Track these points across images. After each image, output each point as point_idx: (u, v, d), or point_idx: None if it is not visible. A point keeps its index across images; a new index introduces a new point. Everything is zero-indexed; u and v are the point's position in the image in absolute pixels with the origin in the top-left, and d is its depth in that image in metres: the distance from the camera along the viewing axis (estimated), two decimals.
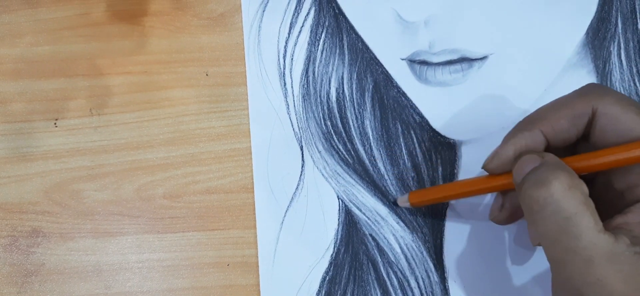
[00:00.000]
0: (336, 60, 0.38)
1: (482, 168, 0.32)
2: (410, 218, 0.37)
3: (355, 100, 0.38)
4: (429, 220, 0.37)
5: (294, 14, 0.39)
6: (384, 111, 0.38)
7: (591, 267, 0.26)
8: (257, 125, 0.38)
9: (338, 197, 0.38)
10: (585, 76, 0.38)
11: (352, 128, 0.38)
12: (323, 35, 0.39)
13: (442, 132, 0.38)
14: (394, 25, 0.38)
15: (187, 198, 0.38)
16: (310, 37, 0.39)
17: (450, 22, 0.38)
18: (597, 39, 0.38)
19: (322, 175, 0.38)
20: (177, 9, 0.39)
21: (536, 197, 0.28)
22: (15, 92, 0.39)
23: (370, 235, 0.37)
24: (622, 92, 0.37)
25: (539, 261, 0.36)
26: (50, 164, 0.38)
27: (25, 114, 0.39)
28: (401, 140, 0.38)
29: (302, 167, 0.38)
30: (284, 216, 0.37)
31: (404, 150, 0.38)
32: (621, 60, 0.38)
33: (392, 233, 0.37)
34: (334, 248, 0.37)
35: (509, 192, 0.33)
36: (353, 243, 0.37)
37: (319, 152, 0.38)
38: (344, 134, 0.38)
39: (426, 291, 0.37)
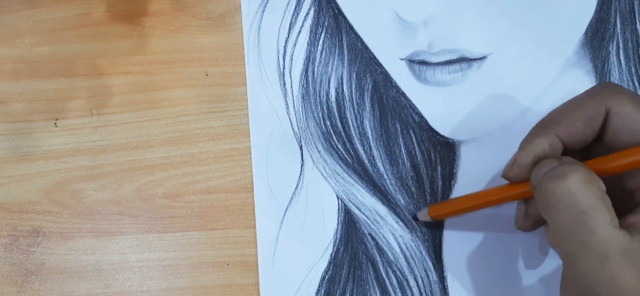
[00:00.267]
0: (335, 60, 0.39)
1: (502, 176, 0.32)
2: (409, 218, 0.37)
3: (354, 100, 0.38)
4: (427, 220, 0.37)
5: (293, 14, 0.39)
6: (383, 111, 0.38)
7: (605, 263, 0.26)
8: (257, 125, 0.38)
9: (337, 196, 0.38)
10: (584, 76, 0.38)
11: (352, 128, 0.38)
12: (322, 35, 0.39)
13: (441, 132, 0.38)
14: (393, 25, 0.38)
15: (187, 198, 0.38)
16: (309, 37, 0.39)
17: (450, 22, 0.38)
18: (596, 38, 0.38)
19: (322, 174, 0.38)
20: (176, 9, 0.39)
21: (552, 189, 0.28)
22: (15, 92, 0.39)
23: (370, 234, 0.37)
24: None
25: (538, 261, 0.37)
26: (50, 164, 0.38)
27: (26, 114, 0.39)
28: (400, 139, 0.38)
29: (301, 166, 0.38)
30: (284, 215, 0.38)
31: (403, 150, 0.38)
32: (620, 60, 0.38)
33: (391, 233, 0.37)
34: (333, 248, 0.37)
35: (530, 199, 0.33)
36: (352, 242, 0.37)
37: (319, 151, 0.38)
38: (343, 134, 0.38)
39: (425, 291, 0.37)
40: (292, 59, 0.39)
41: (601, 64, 0.38)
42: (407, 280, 0.37)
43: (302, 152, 0.38)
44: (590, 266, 0.27)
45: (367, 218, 0.38)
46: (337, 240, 0.37)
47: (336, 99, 0.38)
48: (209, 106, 0.39)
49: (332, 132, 0.38)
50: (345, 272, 0.37)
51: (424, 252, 0.37)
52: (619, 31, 0.38)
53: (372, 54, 0.38)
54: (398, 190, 0.38)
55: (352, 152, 0.38)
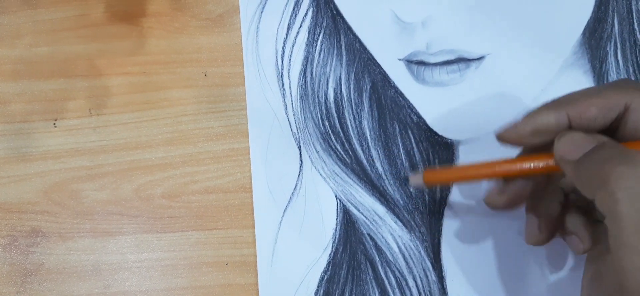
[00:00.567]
0: (334, 61, 0.39)
1: (496, 136, 0.31)
2: (408, 218, 0.37)
3: (353, 101, 0.38)
4: (426, 219, 0.37)
5: (291, 15, 0.39)
6: (381, 111, 0.38)
7: None
8: (255, 125, 0.38)
9: (336, 196, 0.38)
10: (582, 76, 0.38)
11: (350, 129, 0.38)
12: (321, 36, 0.39)
13: (440, 132, 0.38)
14: (391, 26, 0.38)
15: (186, 198, 0.38)
16: (308, 38, 0.39)
17: (448, 22, 0.38)
18: (594, 39, 0.38)
19: (320, 175, 0.38)
20: (175, 9, 0.39)
21: (622, 174, 0.25)
22: (14, 93, 0.39)
23: (368, 234, 0.37)
24: None
25: (535, 260, 0.37)
26: (49, 164, 0.39)
27: (25, 115, 0.39)
28: (399, 140, 0.38)
29: (300, 167, 0.38)
30: (283, 215, 0.38)
31: (401, 150, 0.38)
32: (618, 60, 0.38)
33: (390, 233, 0.37)
34: (332, 248, 0.37)
35: (515, 179, 0.32)
36: (351, 242, 0.37)
37: (317, 152, 0.38)
38: (341, 134, 0.38)
39: (424, 290, 0.37)
40: (290, 60, 0.39)
41: (599, 64, 0.38)
42: (405, 280, 0.37)
43: (300, 152, 0.38)
44: None
45: (366, 218, 0.38)
46: (336, 240, 0.37)
47: (335, 100, 0.38)
48: (208, 106, 0.39)
49: (330, 132, 0.38)
50: (344, 272, 0.37)
51: (422, 252, 0.37)
52: (616, 31, 0.38)
53: (371, 55, 0.38)
54: (396, 190, 0.38)
55: (350, 152, 0.38)
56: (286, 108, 0.38)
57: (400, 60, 0.38)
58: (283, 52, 0.39)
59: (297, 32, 0.39)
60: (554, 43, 0.38)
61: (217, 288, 0.37)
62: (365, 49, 0.39)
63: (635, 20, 0.38)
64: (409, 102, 0.38)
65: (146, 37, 0.39)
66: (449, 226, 0.37)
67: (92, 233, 0.38)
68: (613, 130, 0.30)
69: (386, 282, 0.37)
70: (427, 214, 0.37)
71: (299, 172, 0.38)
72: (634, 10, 0.38)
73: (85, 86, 0.39)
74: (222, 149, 0.38)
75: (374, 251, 0.37)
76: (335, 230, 0.38)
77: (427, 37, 0.38)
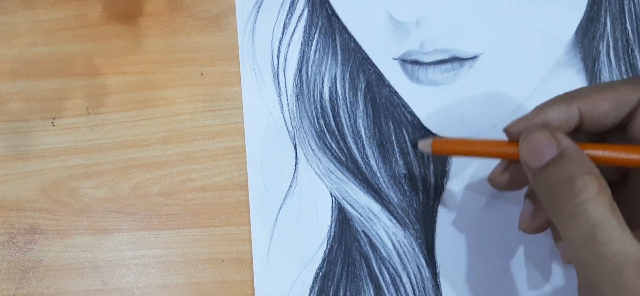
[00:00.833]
0: (329, 60, 0.39)
1: (503, 130, 0.31)
2: (402, 215, 0.38)
3: (348, 99, 0.39)
4: (420, 217, 0.38)
5: (287, 15, 0.39)
6: (376, 110, 0.38)
7: (621, 275, 0.25)
8: (251, 123, 0.38)
9: (331, 194, 0.38)
10: (575, 75, 0.38)
11: (345, 127, 0.38)
12: (316, 35, 0.39)
13: (434, 130, 0.38)
14: (386, 25, 0.38)
15: (183, 196, 0.38)
16: (303, 38, 0.39)
17: (442, 22, 0.38)
18: (587, 38, 0.38)
19: (316, 173, 0.38)
20: (172, 9, 0.40)
21: (565, 204, 0.26)
22: (13, 92, 0.39)
23: (363, 231, 0.38)
24: None
25: (530, 257, 0.37)
26: (47, 162, 0.39)
27: (23, 113, 0.39)
28: (393, 138, 0.38)
29: (295, 165, 0.38)
30: (278, 213, 0.38)
31: (396, 148, 0.38)
32: (610, 59, 0.38)
33: (385, 230, 0.38)
34: (327, 245, 0.38)
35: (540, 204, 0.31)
36: (346, 239, 0.38)
37: (312, 150, 0.38)
38: (337, 133, 0.38)
39: (418, 287, 0.37)
40: (286, 59, 0.39)
41: (592, 63, 0.38)
42: (400, 277, 0.37)
43: (296, 150, 0.38)
44: (606, 279, 0.26)
45: (361, 215, 0.38)
46: (331, 238, 0.38)
47: (330, 98, 0.39)
48: (204, 105, 0.39)
49: (325, 130, 0.38)
50: (339, 269, 0.37)
51: (416, 249, 0.37)
52: (609, 30, 0.38)
53: (365, 54, 0.39)
54: (391, 188, 0.38)
55: (345, 151, 0.38)
56: (282, 107, 0.39)
57: (394, 59, 0.38)
58: (279, 51, 0.39)
59: (293, 32, 0.39)
60: (547, 42, 0.38)
61: (213, 284, 0.38)
62: (360, 48, 0.39)
63: (627, 20, 0.38)
64: (404, 101, 0.38)
65: (143, 36, 0.39)
66: (443, 223, 0.37)
67: (89, 230, 0.38)
68: (623, 126, 0.29)
69: (380, 279, 0.37)
70: (421, 211, 0.38)
71: (295, 170, 0.38)
72: (626, 10, 0.38)
73: (83, 85, 0.39)
74: (219, 147, 0.39)
75: (368, 248, 0.37)
76: (330, 227, 0.38)
77: (421, 37, 0.38)
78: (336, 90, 0.39)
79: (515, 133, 0.30)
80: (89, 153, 0.39)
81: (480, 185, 0.37)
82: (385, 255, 0.37)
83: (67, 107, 0.39)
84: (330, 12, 0.39)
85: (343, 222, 0.38)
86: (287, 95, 0.39)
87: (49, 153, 0.39)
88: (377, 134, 0.38)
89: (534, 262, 0.37)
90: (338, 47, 0.39)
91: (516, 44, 0.38)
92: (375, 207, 0.38)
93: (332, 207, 0.38)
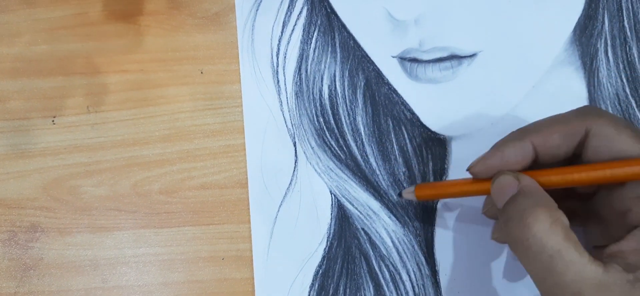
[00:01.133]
0: (328, 58, 0.39)
1: (467, 170, 0.32)
2: (402, 213, 0.38)
3: (347, 97, 0.39)
4: (420, 214, 0.38)
5: (286, 13, 0.39)
6: (375, 108, 0.38)
7: None
8: (251, 122, 0.39)
9: (331, 192, 0.38)
10: (573, 72, 0.38)
11: (345, 125, 0.38)
12: (315, 33, 0.39)
13: (433, 128, 0.38)
14: (384, 23, 0.39)
15: (183, 194, 0.38)
16: (302, 36, 0.39)
17: (440, 20, 0.38)
18: (585, 36, 0.38)
19: (315, 170, 0.38)
20: (172, 8, 0.40)
21: (520, 237, 0.28)
22: (13, 90, 0.40)
23: (363, 229, 0.38)
24: (609, 89, 0.37)
25: None
26: (48, 161, 0.39)
27: (24, 112, 0.39)
28: (392, 136, 0.38)
29: (295, 162, 0.38)
30: (278, 211, 0.38)
31: (395, 146, 0.38)
32: (608, 57, 0.38)
33: (384, 227, 0.38)
34: (327, 242, 0.38)
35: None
36: (345, 237, 0.38)
37: (312, 148, 0.38)
38: (336, 130, 0.38)
39: (417, 284, 0.37)
40: (285, 57, 0.39)
41: (590, 61, 0.38)
42: (399, 274, 0.37)
43: (295, 148, 0.38)
44: None
45: (360, 213, 0.38)
46: (331, 235, 0.38)
47: (329, 96, 0.39)
48: (204, 103, 0.39)
49: (325, 128, 0.39)
50: (339, 266, 0.38)
51: (416, 246, 0.37)
52: (606, 28, 0.38)
53: (364, 52, 0.39)
54: (390, 186, 0.38)
55: (345, 148, 0.38)
56: (281, 105, 0.39)
57: (393, 57, 0.38)
58: (278, 49, 0.39)
59: (292, 30, 0.39)
60: (545, 40, 0.38)
61: (214, 282, 0.38)
62: (359, 46, 0.39)
63: (625, 18, 0.38)
64: (402, 99, 0.38)
65: (143, 35, 0.39)
66: (442, 221, 0.38)
67: (90, 228, 0.38)
68: (577, 156, 0.31)
69: (380, 276, 0.37)
70: (421, 209, 0.38)
71: (294, 168, 0.38)
72: (624, 8, 0.38)
73: (83, 84, 0.39)
74: (219, 145, 0.39)
75: (368, 245, 0.38)
76: (330, 225, 0.38)
77: (420, 35, 0.38)
78: (335, 88, 0.39)
79: (477, 173, 0.32)
80: (90, 151, 0.39)
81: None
82: (384, 252, 0.37)
83: (68, 105, 0.39)
84: (329, 10, 0.39)
85: (343, 219, 0.38)
86: (286, 93, 0.39)
87: (50, 151, 0.39)
88: (376, 132, 0.38)
89: None
90: (337, 45, 0.39)
91: (514, 42, 0.38)
92: (375, 204, 0.38)
93: (332, 205, 0.38)
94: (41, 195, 0.39)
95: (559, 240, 0.27)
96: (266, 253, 0.38)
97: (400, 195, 0.37)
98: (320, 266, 0.37)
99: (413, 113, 0.38)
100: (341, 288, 0.37)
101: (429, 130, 0.38)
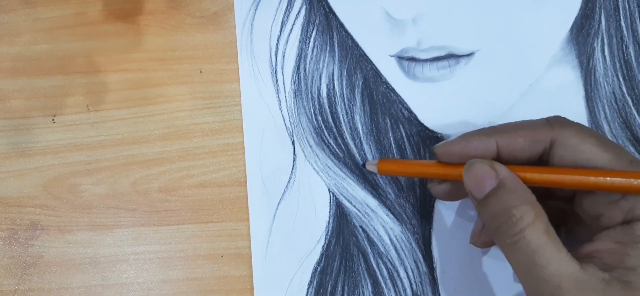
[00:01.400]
0: (327, 57, 0.39)
1: (432, 149, 0.33)
2: (400, 210, 0.38)
3: (345, 96, 0.39)
4: (417, 212, 0.38)
5: (285, 13, 0.39)
6: (373, 106, 0.39)
7: (560, 293, 0.27)
8: (250, 120, 0.39)
9: (329, 190, 0.38)
10: (570, 71, 0.38)
11: (343, 123, 0.39)
12: (314, 33, 0.39)
13: (430, 127, 0.38)
14: (382, 23, 0.39)
15: (182, 192, 0.39)
16: (301, 35, 0.39)
17: (438, 19, 0.38)
18: (581, 35, 0.38)
19: (314, 168, 0.38)
20: (171, 7, 0.40)
21: (507, 233, 0.29)
22: (14, 89, 0.40)
23: (361, 226, 0.38)
24: (606, 88, 0.38)
25: None
26: (48, 159, 0.39)
27: (24, 111, 0.39)
28: (390, 134, 0.38)
29: (293, 161, 0.38)
30: (276, 209, 0.38)
31: (393, 144, 0.38)
32: (605, 56, 0.38)
33: (382, 225, 0.38)
34: (325, 240, 0.38)
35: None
36: (344, 234, 0.38)
37: (310, 146, 0.39)
38: (334, 129, 0.39)
39: (415, 281, 0.37)
40: (284, 56, 0.39)
41: (586, 60, 0.38)
42: (397, 271, 0.37)
43: (294, 146, 0.39)
44: None
45: (358, 211, 0.38)
46: (329, 233, 0.38)
47: (327, 95, 0.39)
48: (203, 102, 0.39)
49: (323, 127, 0.39)
50: (337, 264, 0.38)
51: (413, 244, 0.38)
52: (603, 28, 0.38)
53: (362, 51, 0.39)
54: (388, 184, 0.38)
55: (343, 147, 0.38)
56: (280, 104, 0.39)
57: (391, 56, 0.38)
58: (277, 48, 0.39)
59: (291, 29, 0.39)
60: (542, 39, 0.38)
61: (213, 279, 0.38)
62: (357, 45, 0.39)
63: (622, 17, 0.38)
64: (400, 97, 0.38)
65: (143, 34, 0.40)
66: (440, 218, 0.38)
67: (90, 226, 0.38)
68: (544, 161, 0.31)
69: (378, 273, 0.37)
70: (418, 206, 0.38)
71: (293, 166, 0.38)
72: (620, 7, 0.38)
73: (83, 83, 0.39)
74: (217, 144, 0.39)
75: (366, 243, 0.38)
76: (328, 223, 0.38)
77: (417, 34, 0.38)
78: (334, 87, 0.39)
79: (440, 154, 0.33)
80: (90, 150, 0.39)
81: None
82: (382, 250, 0.38)
83: (68, 104, 0.39)
84: (327, 9, 0.39)
85: (341, 217, 0.38)
86: (285, 92, 0.39)
87: (50, 150, 0.39)
88: (374, 130, 0.38)
89: None
90: (335, 44, 0.39)
91: (512, 41, 0.38)
92: (373, 202, 0.38)
93: (330, 203, 0.38)
94: (41, 194, 0.39)
95: (541, 235, 0.28)
96: (265, 250, 0.38)
97: (364, 165, 0.37)
98: (318, 263, 0.38)
99: (411, 112, 0.38)
100: (339, 285, 0.37)
101: (426, 128, 0.38)
